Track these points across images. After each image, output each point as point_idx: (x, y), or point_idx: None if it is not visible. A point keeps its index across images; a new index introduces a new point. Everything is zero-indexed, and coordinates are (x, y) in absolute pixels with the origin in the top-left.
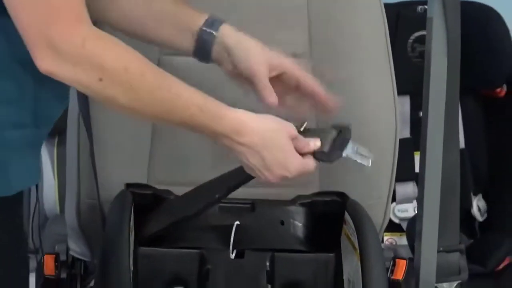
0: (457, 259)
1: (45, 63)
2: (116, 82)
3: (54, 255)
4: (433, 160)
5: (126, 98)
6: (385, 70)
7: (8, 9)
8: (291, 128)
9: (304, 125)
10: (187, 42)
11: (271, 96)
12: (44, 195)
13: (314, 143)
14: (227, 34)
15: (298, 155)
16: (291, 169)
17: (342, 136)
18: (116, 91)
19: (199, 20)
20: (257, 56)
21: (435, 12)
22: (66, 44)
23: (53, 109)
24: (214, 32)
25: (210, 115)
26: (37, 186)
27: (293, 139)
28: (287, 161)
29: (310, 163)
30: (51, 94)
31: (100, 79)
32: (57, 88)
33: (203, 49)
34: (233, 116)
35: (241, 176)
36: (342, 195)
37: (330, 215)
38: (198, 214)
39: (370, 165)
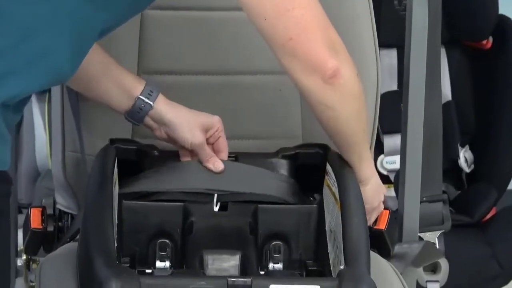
0: (440, 208)
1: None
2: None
3: (40, 208)
4: (415, 111)
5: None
6: (366, 24)
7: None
8: None
9: None
10: (123, 104)
11: (216, 164)
12: (36, 150)
13: None
14: (162, 106)
15: None
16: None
17: None
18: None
19: (138, 86)
20: (192, 125)
21: None
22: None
23: None
24: (151, 103)
25: (366, 146)
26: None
27: None
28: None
29: None
30: None
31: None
32: None
33: (136, 114)
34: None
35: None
36: (324, 147)
37: (312, 167)
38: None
39: None
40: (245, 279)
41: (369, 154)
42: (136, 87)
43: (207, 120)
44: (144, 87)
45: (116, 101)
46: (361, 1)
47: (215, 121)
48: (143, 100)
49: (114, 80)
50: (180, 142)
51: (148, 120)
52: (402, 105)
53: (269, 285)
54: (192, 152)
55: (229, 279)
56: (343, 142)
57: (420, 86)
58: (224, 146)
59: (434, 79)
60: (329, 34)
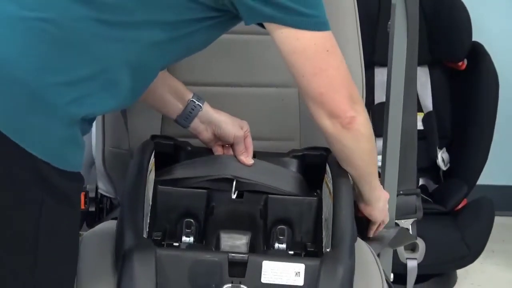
0: (414, 201)
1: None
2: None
3: (84, 192)
4: (394, 120)
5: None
6: (354, 48)
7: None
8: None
9: None
10: (176, 108)
11: (248, 158)
12: (92, 143)
13: None
14: (208, 108)
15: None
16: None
17: None
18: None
19: (188, 92)
20: (233, 122)
21: (397, 0)
22: (361, 117)
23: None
24: (201, 105)
25: (376, 176)
26: None
27: None
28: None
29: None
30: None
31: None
32: None
33: (188, 116)
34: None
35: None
36: (327, 150)
37: (316, 166)
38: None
39: None
40: (243, 255)
41: (378, 183)
42: (187, 93)
43: (239, 120)
44: (193, 93)
45: (171, 105)
46: (350, 27)
47: (244, 123)
48: (195, 102)
49: (169, 88)
50: (225, 136)
51: (196, 122)
52: (384, 113)
53: (263, 261)
54: (225, 149)
55: (229, 254)
56: (356, 173)
57: (398, 99)
58: (250, 144)
59: (411, 94)
60: (350, 89)
